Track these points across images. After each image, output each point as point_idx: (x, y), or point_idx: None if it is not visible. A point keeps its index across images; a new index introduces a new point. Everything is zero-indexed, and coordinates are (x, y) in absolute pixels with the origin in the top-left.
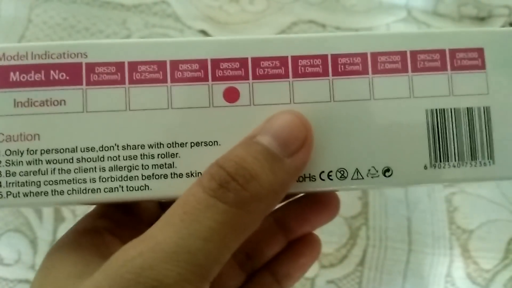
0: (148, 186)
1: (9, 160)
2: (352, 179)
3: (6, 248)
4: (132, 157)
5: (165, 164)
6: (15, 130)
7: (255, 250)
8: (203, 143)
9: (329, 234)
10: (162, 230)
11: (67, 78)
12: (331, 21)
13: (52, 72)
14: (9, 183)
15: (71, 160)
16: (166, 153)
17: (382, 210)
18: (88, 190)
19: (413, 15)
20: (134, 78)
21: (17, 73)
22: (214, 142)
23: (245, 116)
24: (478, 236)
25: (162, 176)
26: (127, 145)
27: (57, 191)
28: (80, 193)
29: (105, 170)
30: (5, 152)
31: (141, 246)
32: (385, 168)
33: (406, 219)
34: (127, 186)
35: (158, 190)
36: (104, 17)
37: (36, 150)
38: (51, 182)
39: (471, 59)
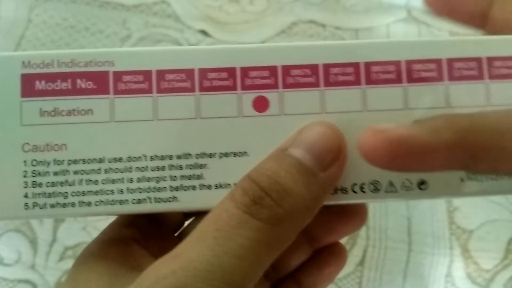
0: (176, 198)
1: (35, 171)
2: (385, 191)
3: (6, 248)
4: (160, 168)
5: (194, 175)
6: (42, 140)
7: (281, 259)
8: (232, 154)
9: None
10: (194, 247)
11: (94, 86)
12: (331, 21)
13: (78, 80)
14: (36, 194)
15: (98, 171)
16: (195, 164)
17: (382, 210)
18: (116, 201)
19: (413, 15)
20: (162, 87)
21: (43, 81)
22: (243, 152)
23: (275, 126)
24: (478, 236)
25: (191, 187)
26: (155, 156)
27: (85, 202)
28: (108, 204)
29: (132, 181)
30: (32, 162)
31: (173, 263)
32: (420, 181)
33: (406, 219)
34: (155, 198)
35: (186, 201)
36: (104, 17)
37: (63, 161)
38: (78, 193)
39: (509, 68)
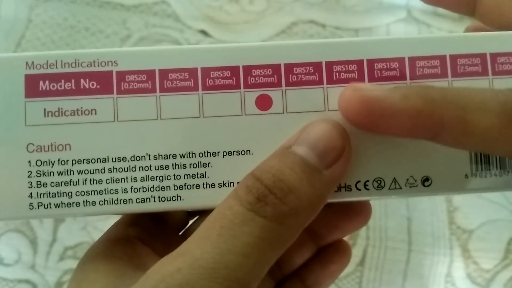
0: (180, 197)
1: (40, 171)
2: (389, 189)
3: (6, 248)
4: (163, 167)
5: (197, 174)
6: (46, 140)
7: (285, 257)
8: (235, 152)
9: None
10: (199, 245)
11: (98, 86)
12: (331, 21)
13: (82, 80)
14: (40, 194)
15: (102, 171)
16: (198, 162)
17: (382, 210)
18: (120, 200)
19: (413, 15)
20: (165, 86)
21: (47, 82)
22: (247, 151)
23: (278, 124)
24: (478, 236)
25: (194, 186)
26: (159, 155)
27: (89, 201)
28: (112, 203)
29: (136, 180)
30: (36, 162)
31: (179, 261)
32: (424, 178)
33: (406, 219)
34: (159, 197)
35: (190, 200)
36: (104, 17)
37: (67, 161)
38: (82, 193)
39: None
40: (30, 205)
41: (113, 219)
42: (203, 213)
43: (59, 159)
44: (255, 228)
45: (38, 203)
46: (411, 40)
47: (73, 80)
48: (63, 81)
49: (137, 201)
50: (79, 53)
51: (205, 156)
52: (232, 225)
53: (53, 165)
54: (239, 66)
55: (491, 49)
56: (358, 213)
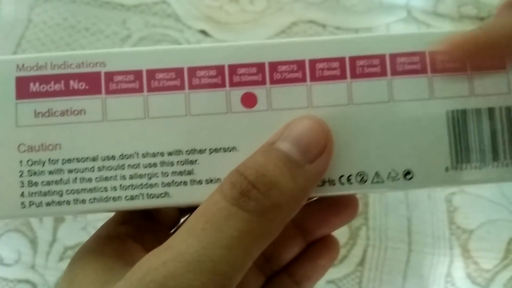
0: (168, 193)
1: (31, 170)
2: (372, 182)
3: (6, 248)
4: (152, 164)
5: (185, 171)
6: (37, 140)
7: (274, 252)
8: (221, 149)
9: None
10: (184, 239)
11: (86, 87)
12: (331, 21)
13: (71, 82)
14: (32, 193)
15: (92, 169)
16: (185, 160)
17: (382, 210)
18: (110, 198)
19: (413, 15)
20: (152, 86)
21: (37, 83)
22: (233, 148)
23: (263, 121)
24: (478, 236)
25: (182, 183)
26: (147, 153)
27: (79, 200)
28: (102, 201)
29: (125, 178)
30: (27, 162)
31: (164, 255)
32: (406, 171)
33: (406, 219)
34: (147, 194)
35: (178, 197)
36: (104, 17)
37: (57, 160)
38: (73, 191)
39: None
40: (22, 204)
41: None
42: (193, 211)
43: (49, 158)
44: (239, 222)
45: (29, 202)
46: (391, 37)
47: (62, 81)
48: (52, 82)
49: (126, 199)
50: (68, 55)
51: (192, 154)
52: (217, 220)
53: (44, 164)
54: (224, 65)
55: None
56: (345, 207)
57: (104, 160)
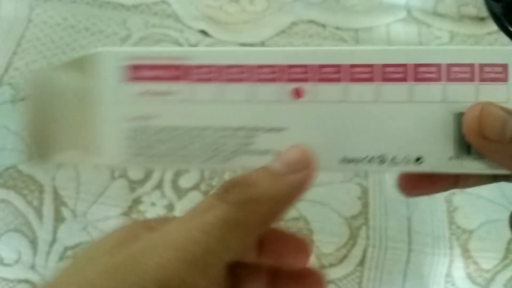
0: (231, 159)
1: (138, 131)
2: (388, 164)
3: (6, 248)
4: (224, 136)
5: (246, 142)
6: (142, 112)
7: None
8: (276, 129)
9: (329, 234)
10: (174, 224)
11: (180, 74)
12: (331, 21)
13: (171, 69)
14: (136, 148)
15: (181, 135)
16: (247, 135)
17: (382, 210)
18: (190, 156)
19: (413, 15)
20: (227, 77)
21: (145, 70)
22: (285, 127)
23: (309, 111)
24: (478, 236)
25: (244, 152)
26: (221, 127)
27: (170, 155)
28: (185, 158)
29: (202, 143)
30: (134, 126)
31: (156, 236)
32: (417, 157)
33: (406, 219)
34: (219, 157)
35: (239, 163)
36: (104, 17)
37: (157, 126)
38: (167, 149)
39: (496, 73)
40: (128, 154)
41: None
42: None
43: (152, 125)
44: (218, 211)
45: (135, 153)
46: (419, 50)
47: (161, 70)
48: (156, 70)
49: (201, 160)
50: (164, 51)
51: (253, 131)
52: (202, 209)
53: (147, 128)
54: (283, 65)
55: (479, 60)
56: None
57: (188, 130)
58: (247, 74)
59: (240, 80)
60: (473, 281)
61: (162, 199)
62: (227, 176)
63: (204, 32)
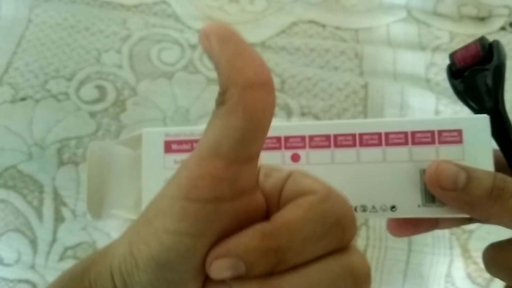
0: None
1: None
2: (369, 212)
3: (6, 248)
4: None
5: None
6: None
7: None
8: None
9: None
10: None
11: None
12: (331, 21)
13: (194, 144)
14: None
15: None
16: None
17: None
18: None
19: (413, 15)
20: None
21: (176, 144)
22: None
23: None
24: (478, 236)
25: None
26: None
27: None
28: None
29: None
30: None
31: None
32: (392, 205)
33: None
34: None
35: None
36: (104, 17)
37: None
38: None
39: (453, 136)
40: None
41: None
42: None
43: None
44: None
45: None
46: (386, 121)
47: (190, 144)
48: (184, 144)
49: None
50: (193, 129)
51: None
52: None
53: None
54: (281, 136)
55: (438, 127)
56: None
57: None
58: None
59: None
60: (473, 281)
61: None
62: None
63: None
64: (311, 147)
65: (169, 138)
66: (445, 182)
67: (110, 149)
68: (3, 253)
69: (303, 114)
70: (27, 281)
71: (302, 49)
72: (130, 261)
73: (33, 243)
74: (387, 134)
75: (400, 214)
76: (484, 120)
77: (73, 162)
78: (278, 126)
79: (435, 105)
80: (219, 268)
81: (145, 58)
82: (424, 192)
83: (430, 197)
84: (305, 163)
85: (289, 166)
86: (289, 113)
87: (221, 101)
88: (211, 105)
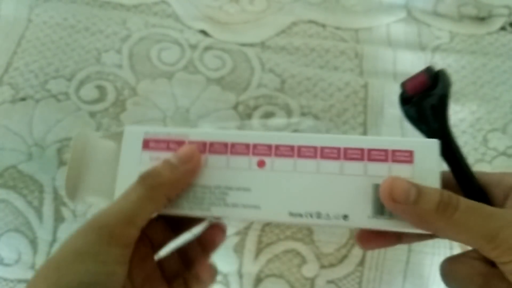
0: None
1: None
2: (324, 219)
3: (6, 248)
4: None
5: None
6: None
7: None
8: (242, 189)
9: (329, 234)
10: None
11: (177, 147)
12: (331, 21)
13: (170, 143)
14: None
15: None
16: (222, 192)
17: None
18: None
19: (413, 15)
20: (210, 149)
21: (153, 142)
22: (248, 188)
23: (267, 176)
24: None
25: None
26: (203, 185)
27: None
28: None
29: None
30: None
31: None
32: (344, 215)
33: None
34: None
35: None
36: (104, 17)
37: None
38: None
39: (405, 156)
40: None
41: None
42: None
43: None
44: (138, 192)
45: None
46: (343, 137)
47: (166, 143)
48: (161, 143)
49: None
50: (172, 130)
51: (226, 189)
52: (128, 191)
53: None
54: (250, 144)
55: (392, 147)
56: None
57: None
58: (225, 149)
59: (220, 152)
60: None
61: None
62: None
63: (204, 32)
64: (276, 155)
65: (148, 136)
66: (398, 195)
67: (95, 140)
68: (3, 253)
69: (303, 114)
70: (27, 281)
71: (302, 49)
72: None
73: (33, 243)
74: (345, 149)
75: (351, 223)
76: (434, 144)
77: None
78: (247, 134)
79: None
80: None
81: (145, 58)
82: (374, 204)
83: (379, 210)
84: (269, 169)
85: (255, 171)
86: (289, 113)
87: None
88: (211, 105)
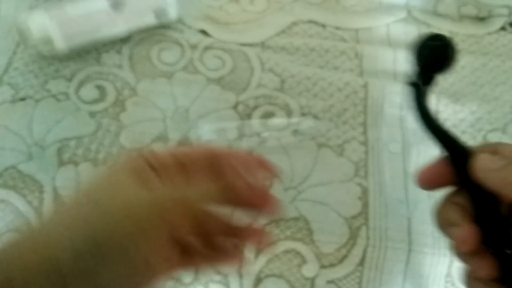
0: None
1: None
2: None
3: None
4: None
5: None
6: None
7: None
8: None
9: (329, 234)
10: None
11: None
12: (331, 21)
13: None
14: None
15: None
16: None
17: (382, 210)
18: None
19: (413, 15)
20: None
21: None
22: None
23: None
24: None
25: None
26: None
27: None
28: None
29: None
30: None
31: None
32: None
33: (406, 219)
34: None
35: None
36: None
37: None
38: None
39: None
40: None
41: None
42: None
43: None
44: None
45: None
46: None
47: None
48: None
49: None
50: None
51: None
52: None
53: None
54: None
55: None
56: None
57: None
58: None
59: None
60: None
61: None
62: None
63: (204, 32)
64: None
65: None
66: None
67: None
68: None
69: (303, 114)
70: None
71: (302, 49)
72: None
73: None
74: None
75: None
76: None
77: (73, 162)
78: None
79: (435, 105)
80: None
81: (145, 58)
82: None
83: None
84: None
85: None
86: (289, 113)
87: None
88: (211, 105)
